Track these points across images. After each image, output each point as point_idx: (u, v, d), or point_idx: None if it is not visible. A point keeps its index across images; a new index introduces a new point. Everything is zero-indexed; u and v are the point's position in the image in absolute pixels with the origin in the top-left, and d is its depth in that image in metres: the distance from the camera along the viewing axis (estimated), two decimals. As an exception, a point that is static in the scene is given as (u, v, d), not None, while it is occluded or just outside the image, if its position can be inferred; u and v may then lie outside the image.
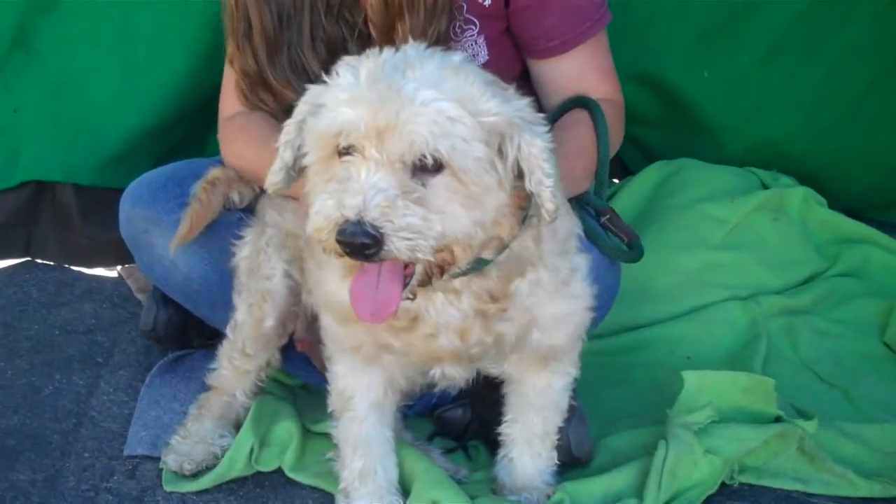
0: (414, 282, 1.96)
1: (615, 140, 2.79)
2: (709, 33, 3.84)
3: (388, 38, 2.62)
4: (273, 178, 2.09)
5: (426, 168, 1.87)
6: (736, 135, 3.96)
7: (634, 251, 2.69)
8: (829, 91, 3.84)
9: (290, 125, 2.06)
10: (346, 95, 1.89)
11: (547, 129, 1.99)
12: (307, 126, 2.00)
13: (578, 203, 2.59)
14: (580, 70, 2.79)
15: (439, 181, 1.88)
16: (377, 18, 2.63)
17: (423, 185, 1.87)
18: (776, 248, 3.58)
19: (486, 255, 2.06)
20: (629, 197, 3.77)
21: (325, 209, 1.85)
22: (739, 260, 3.51)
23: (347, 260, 1.93)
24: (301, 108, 2.04)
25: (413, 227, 1.83)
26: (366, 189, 1.82)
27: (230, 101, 2.88)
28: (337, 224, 1.82)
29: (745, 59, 3.85)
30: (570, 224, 2.27)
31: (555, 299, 2.21)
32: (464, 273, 2.06)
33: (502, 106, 1.93)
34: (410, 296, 1.99)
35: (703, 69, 3.86)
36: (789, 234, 3.65)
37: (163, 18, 3.47)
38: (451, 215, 1.89)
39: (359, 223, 1.79)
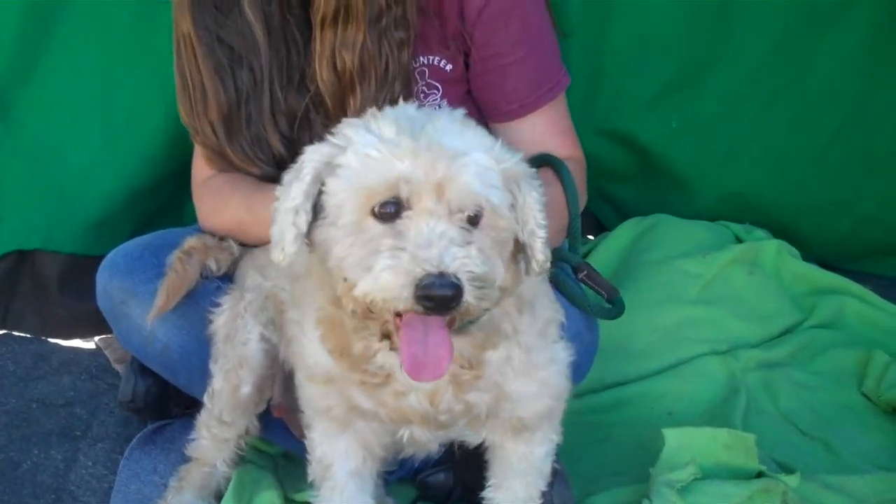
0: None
1: (581, 197, 2.83)
2: (674, 85, 3.89)
3: (342, 108, 2.65)
4: (289, 250, 1.97)
5: (470, 219, 1.88)
6: (707, 187, 4.00)
7: (615, 307, 2.70)
8: (796, 141, 3.89)
9: (295, 189, 1.97)
10: (387, 150, 1.87)
11: (539, 182, 2.03)
12: (332, 189, 1.94)
13: (555, 261, 2.61)
14: (541, 132, 2.85)
15: (482, 232, 1.89)
16: (329, 92, 2.67)
17: (472, 233, 1.88)
18: (752, 302, 3.61)
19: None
20: (605, 254, 3.79)
21: (401, 266, 1.79)
22: (716, 314, 3.53)
23: (368, 325, 1.96)
24: (307, 169, 1.97)
25: (485, 277, 1.82)
26: (435, 241, 1.80)
27: (203, 165, 2.90)
28: (416, 279, 1.77)
29: (712, 111, 3.90)
30: (552, 310, 2.26)
31: (523, 380, 2.19)
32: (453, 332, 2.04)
33: (511, 155, 1.98)
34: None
35: (670, 121, 3.91)
36: (764, 286, 3.67)
37: (140, 85, 3.48)
38: (495, 264, 1.89)
39: (442, 275, 1.76)
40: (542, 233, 1.98)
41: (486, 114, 2.88)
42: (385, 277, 1.80)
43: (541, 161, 2.75)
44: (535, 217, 1.98)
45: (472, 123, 1.99)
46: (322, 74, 2.65)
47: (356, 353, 2.11)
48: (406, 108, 2.01)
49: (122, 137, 3.55)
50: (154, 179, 3.61)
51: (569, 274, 2.73)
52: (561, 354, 2.26)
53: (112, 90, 3.50)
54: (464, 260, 1.79)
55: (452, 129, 1.93)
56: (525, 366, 2.17)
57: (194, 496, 2.72)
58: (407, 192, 1.85)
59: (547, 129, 2.86)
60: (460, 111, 2.02)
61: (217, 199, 2.82)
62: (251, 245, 2.75)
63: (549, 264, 2.02)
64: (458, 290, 1.77)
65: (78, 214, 3.61)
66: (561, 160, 2.73)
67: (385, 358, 2.09)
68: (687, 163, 3.97)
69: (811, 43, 3.72)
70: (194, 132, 2.80)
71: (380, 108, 2.07)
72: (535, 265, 2.00)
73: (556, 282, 2.55)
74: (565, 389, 2.29)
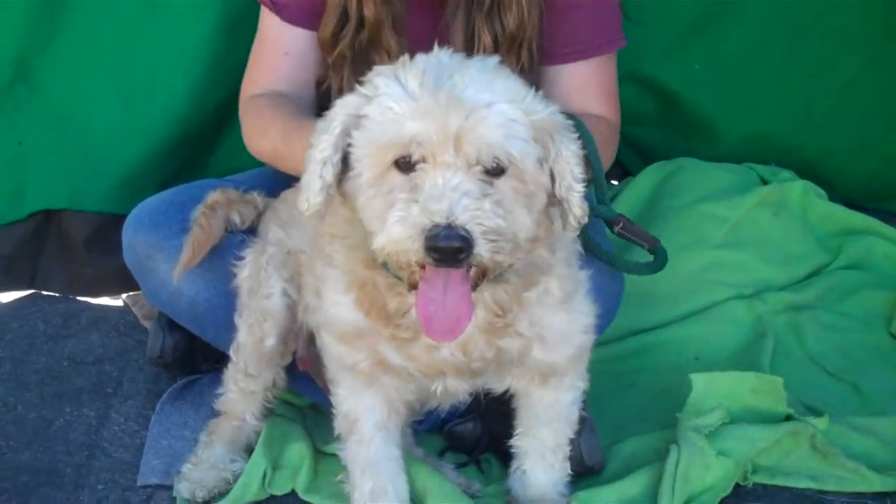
0: (471, 290, 1.96)
1: (606, 157, 2.82)
2: (696, 27, 3.84)
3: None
4: (315, 200, 2.00)
5: (490, 171, 1.88)
6: (731, 129, 3.97)
7: (657, 260, 2.69)
8: (820, 81, 3.86)
9: (324, 141, 1.99)
10: (405, 106, 1.88)
11: (577, 135, 2.04)
12: (356, 141, 1.96)
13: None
14: (583, 82, 2.87)
15: (504, 183, 1.89)
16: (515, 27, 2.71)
17: (493, 185, 1.88)
18: (778, 244, 3.58)
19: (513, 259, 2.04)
20: (629, 199, 3.77)
21: (410, 217, 1.82)
22: (742, 257, 3.50)
23: (387, 280, 2.01)
24: (337, 122, 1.99)
25: (499, 230, 1.83)
26: (448, 193, 1.81)
27: (253, 80, 2.91)
28: (424, 231, 1.79)
29: (734, 52, 3.86)
30: (571, 241, 2.26)
31: (560, 312, 2.21)
32: (492, 279, 2.05)
33: (546, 106, 1.97)
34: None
35: (693, 63, 3.87)
36: (791, 228, 3.64)
37: (160, 46, 3.48)
38: (517, 216, 1.90)
39: (449, 227, 1.78)
40: (579, 187, 1.99)
41: (540, 57, 2.90)
42: (396, 229, 1.83)
43: None
44: (573, 171, 1.98)
45: (504, 72, 1.98)
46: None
47: (392, 310, 2.12)
48: (440, 55, 1.99)
49: (143, 98, 3.55)
50: (176, 139, 3.61)
51: (596, 230, 2.72)
52: (583, 279, 2.29)
53: (131, 52, 3.51)
54: (475, 212, 1.80)
55: (481, 79, 1.91)
56: (564, 293, 2.19)
57: (225, 450, 2.75)
58: (418, 152, 1.85)
59: (590, 80, 2.88)
60: (494, 59, 2.01)
61: (258, 122, 2.81)
62: (287, 173, 2.74)
63: (586, 219, 2.03)
64: (466, 242, 1.78)
65: (103, 174, 3.63)
66: (578, 118, 2.69)
67: None
68: (711, 105, 3.94)
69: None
70: None
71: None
72: (572, 220, 2.01)
73: (587, 244, 2.56)
74: (591, 314, 2.31)
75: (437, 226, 1.78)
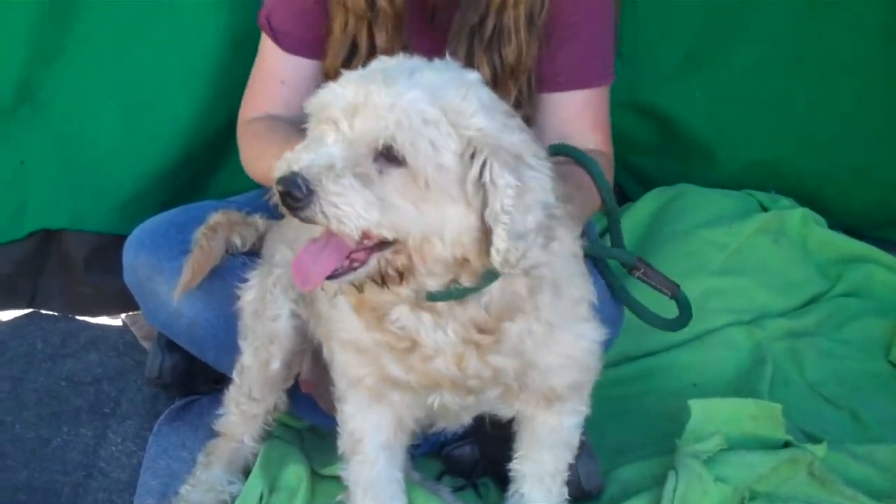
0: (363, 271, 1.94)
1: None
2: (697, 55, 3.87)
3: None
4: None
5: (391, 158, 1.87)
6: (731, 155, 3.98)
7: (682, 315, 2.74)
8: (820, 108, 3.88)
9: None
10: (344, 79, 1.96)
11: (542, 173, 1.94)
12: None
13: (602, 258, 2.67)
14: (575, 112, 2.84)
15: (395, 173, 1.88)
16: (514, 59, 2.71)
17: (381, 171, 1.87)
18: (777, 271, 3.59)
19: (465, 282, 2.01)
20: (629, 225, 3.75)
21: (285, 158, 1.89)
22: (741, 284, 3.52)
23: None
24: None
25: (344, 199, 1.84)
26: (316, 151, 1.87)
27: (251, 103, 2.92)
28: (284, 171, 1.86)
29: (734, 80, 3.88)
30: (582, 290, 2.23)
31: (545, 353, 2.18)
32: (444, 297, 2.03)
33: (492, 127, 1.91)
34: (356, 284, 1.98)
35: (693, 91, 3.89)
36: (790, 255, 3.65)
37: (163, 67, 3.50)
38: (399, 208, 1.88)
39: (294, 174, 1.83)
40: (505, 219, 1.88)
41: (536, 86, 2.87)
42: (277, 164, 1.91)
43: (560, 151, 2.71)
44: (502, 202, 1.88)
45: (472, 87, 1.95)
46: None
47: (373, 301, 2.09)
48: (444, 62, 2.02)
49: (145, 119, 3.56)
50: (178, 160, 3.62)
51: (606, 273, 2.74)
52: (589, 333, 2.25)
53: (134, 72, 3.52)
54: (323, 172, 1.84)
55: (432, 82, 1.92)
56: (546, 339, 2.16)
57: (223, 471, 2.74)
58: (328, 112, 1.92)
59: (582, 110, 2.85)
60: (473, 75, 2.01)
61: (255, 146, 2.82)
62: None
63: (512, 256, 1.91)
64: (298, 189, 1.83)
65: (104, 195, 3.63)
66: (582, 151, 2.70)
67: (399, 314, 2.09)
68: (711, 132, 3.95)
69: (834, 9, 3.70)
70: None
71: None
72: (493, 252, 1.90)
73: (618, 294, 2.64)
74: (595, 366, 2.30)
75: (289, 170, 1.85)
